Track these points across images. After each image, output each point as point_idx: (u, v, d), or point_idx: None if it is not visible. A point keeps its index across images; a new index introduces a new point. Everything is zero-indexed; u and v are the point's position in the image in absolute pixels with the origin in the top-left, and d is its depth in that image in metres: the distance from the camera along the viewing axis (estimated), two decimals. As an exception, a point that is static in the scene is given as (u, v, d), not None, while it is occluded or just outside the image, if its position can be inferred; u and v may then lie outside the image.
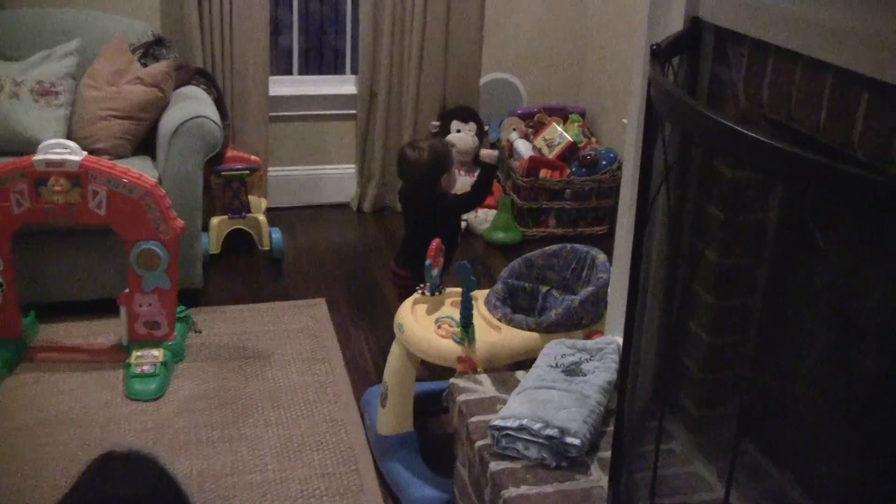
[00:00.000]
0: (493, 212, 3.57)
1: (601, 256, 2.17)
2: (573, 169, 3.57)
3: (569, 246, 2.24)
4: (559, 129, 3.63)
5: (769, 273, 1.62)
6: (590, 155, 3.55)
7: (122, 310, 2.56)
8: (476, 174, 2.59)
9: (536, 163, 3.52)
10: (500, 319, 2.17)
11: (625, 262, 1.75)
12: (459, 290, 2.13)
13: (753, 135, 1.08)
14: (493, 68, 3.85)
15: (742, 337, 1.64)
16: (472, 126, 3.75)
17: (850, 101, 1.23)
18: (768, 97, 1.42)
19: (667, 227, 1.40)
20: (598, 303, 2.09)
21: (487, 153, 2.49)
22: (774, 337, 1.55)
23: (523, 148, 3.62)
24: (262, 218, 3.32)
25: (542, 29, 3.84)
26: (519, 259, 2.27)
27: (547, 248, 2.27)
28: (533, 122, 3.73)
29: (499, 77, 3.88)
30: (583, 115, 3.83)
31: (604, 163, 3.56)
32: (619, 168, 3.51)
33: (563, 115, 3.78)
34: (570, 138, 3.59)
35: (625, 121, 3.38)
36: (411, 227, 2.54)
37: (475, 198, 2.53)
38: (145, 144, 2.93)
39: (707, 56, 1.57)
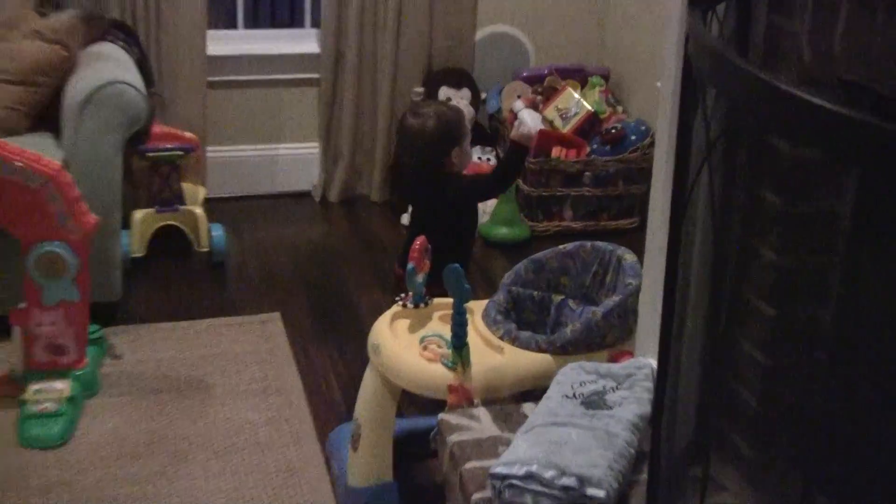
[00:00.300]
0: (492, 202, 3.58)
1: (629, 257, 2.18)
2: (594, 146, 3.59)
3: (589, 244, 2.25)
4: (576, 95, 3.64)
5: (843, 276, 1.60)
6: (615, 128, 3.56)
7: (16, 330, 2.53)
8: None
9: (547, 139, 3.53)
10: (501, 338, 2.16)
11: (659, 263, 1.74)
12: (450, 300, 2.12)
13: (820, 102, 1.07)
14: (493, 20, 3.87)
15: (809, 358, 1.63)
16: (466, 93, 3.76)
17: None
18: (841, 52, 1.41)
19: (711, 218, 1.39)
20: (625, 315, 2.10)
21: (521, 134, 2.49)
22: (850, 358, 1.54)
23: (530, 120, 3.48)
24: (199, 211, 3.31)
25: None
26: (526, 261, 2.28)
27: (561, 246, 2.28)
28: (542, 88, 3.74)
29: (500, 31, 3.89)
30: (606, 77, 3.85)
31: (633, 138, 3.58)
32: (652, 144, 3.50)
33: (580, 78, 3.80)
34: (589, 108, 3.61)
35: (659, 84, 3.39)
36: (416, 218, 2.56)
37: (497, 183, 2.51)
38: (46, 117, 2.91)
39: (761, 1, 1.56)
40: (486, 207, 3.57)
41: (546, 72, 3.80)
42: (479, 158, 3.74)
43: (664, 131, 1.78)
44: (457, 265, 2.03)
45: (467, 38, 3.79)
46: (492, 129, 3.90)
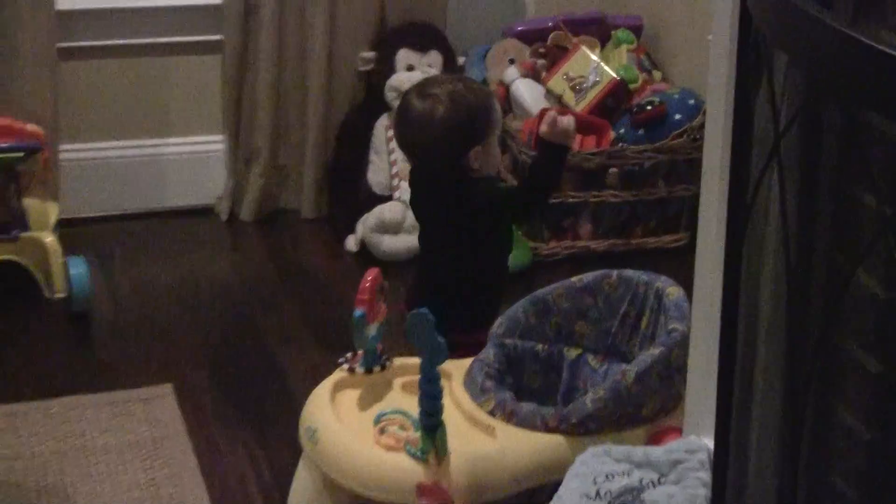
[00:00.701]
0: None
1: (675, 291, 2.22)
2: (622, 131, 3.60)
3: (615, 274, 2.29)
4: (594, 57, 3.66)
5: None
6: (651, 104, 3.59)
7: None
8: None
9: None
10: (492, 412, 2.19)
11: (714, 299, 1.77)
12: (416, 361, 2.14)
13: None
14: None
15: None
16: (435, 58, 3.78)
17: None
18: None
19: (784, 235, 1.42)
20: (670, 376, 2.12)
21: (556, 131, 2.52)
22: None
23: (529, 95, 3.66)
24: (49, 240, 3.31)
25: None
26: (525, 301, 2.32)
27: (575, 278, 2.31)
28: (546, 48, 3.74)
29: None
30: (637, 31, 3.86)
31: (677, 117, 3.61)
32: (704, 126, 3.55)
33: (599, 32, 3.80)
34: (613, 75, 3.63)
35: (710, 38, 3.42)
36: (426, 242, 2.67)
37: (534, 192, 2.58)
38: None
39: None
40: None
41: (551, 25, 3.80)
42: None
43: (718, 111, 1.82)
44: (423, 310, 2.06)
45: None
46: None
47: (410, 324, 2.06)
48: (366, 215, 3.58)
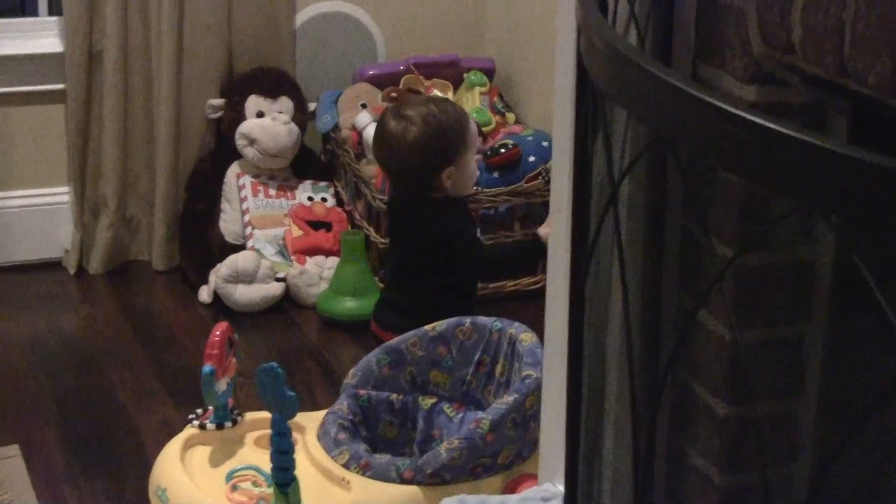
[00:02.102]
0: (331, 260, 3.61)
1: (528, 337, 2.24)
2: (477, 173, 3.62)
3: (468, 321, 2.30)
4: (449, 99, 3.69)
5: (825, 356, 1.66)
6: (505, 147, 3.61)
7: None
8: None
9: None
10: (347, 465, 2.17)
11: (562, 345, 1.78)
12: (269, 415, 2.13)
13: (773, 126, 1.11)
14: None
15: (782, 472, 1.67)
16: (286, 104, 3.79)
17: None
18: (802, 36, 1.47)
19: (622, 276, 1.43)
20: (526, 424, 2.13)
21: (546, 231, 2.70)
22: (839, 472, 1.59)
23: None
24: None
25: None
26: (378, 351, 2.31)
27: (429, 326, 2.30)
28: (398, 92, 3.77)
29: (331, 11, 3.94)
30: (490, 73, 3.90)
31: (531, 160, 3.64)
32: None
33: (452, 75, 3.84)
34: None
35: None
36: (395, 259, 2.81)
37: (498, 267, 2.98)
38: None
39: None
40: (323, 269, 3.60)
41: (402, 68, 3.84)
42: (310, 199, 3.78)
43: (562, 156, 1.83)
44: (273, 365, 2.04)
45: (283, 24, 3.82)
46: (327, 157, 3.93)
47: (259, 379, 2.04)
48: (219, 265, 3.55)
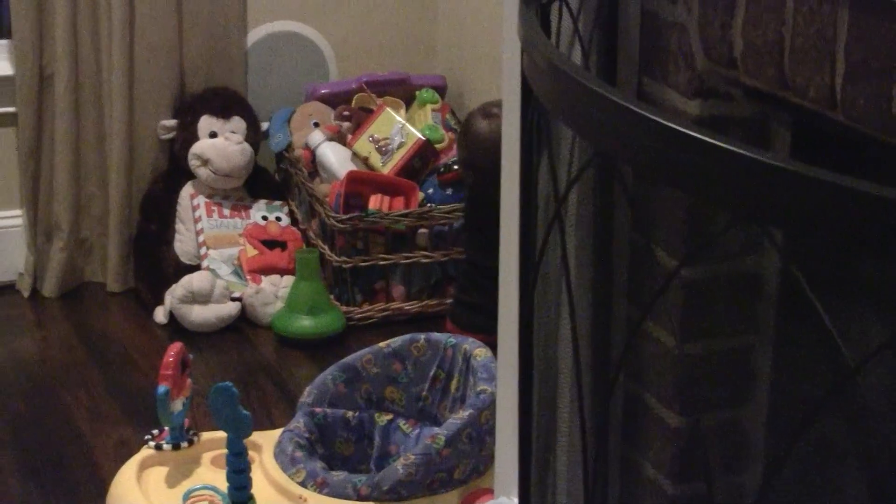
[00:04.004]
0: (286, 279, 3.62)
1: (481, 352, 2.24)
2: (429, 191, 3.64)
3: (422, 337, 2.31)
4: (397, 117, 3.70)
5: (773, 364, 1.68)
6: (456, 164, 3.62)
7: None
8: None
9: (361, 184, 3.57)
10: (303, 483, 2.17)
11: (513, 360, 1.79)
12: (225, 435, 2.13)
13: (714, 142, 1.13)
14: (272, 14, 3.91)
15: (732, 484, 1.69)
16: (238, 124, 3.78)
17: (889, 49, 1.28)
18: (743, 50, 1.50)
19: (568, 291, 1.45)
20: (480, 438, 2.13)
21: None
22: (790, 480, 1.61)
23: (335, 158, 3.68)
24: None
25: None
26: (333, 369, 2.32)
27: (383, 344, 2.32)
28: (350, 110, 3.78)
29: (282, 30, 3.94)
30: (441, 90, 3.91)
31: None
32: None
33: (404, 92, 3.84)
34: (418, 135, 3.66)
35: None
36: (477, 259, 2.90)
37: None
38: None
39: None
40: (278, 288, 3.60)
41: (354, 86, 3.84)
42: (265, 218, 3.77)
43: (510, 173, 1.85)
44: (226, 383, 2.04)
45: (235, 44, 3.82)
46: (280, 175, 3.93)
47: (213, 399, 2.05)
48: (174, 286, 3.54)
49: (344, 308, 3.57)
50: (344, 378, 2.30)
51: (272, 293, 3.59)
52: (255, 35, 3.90)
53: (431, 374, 2.29)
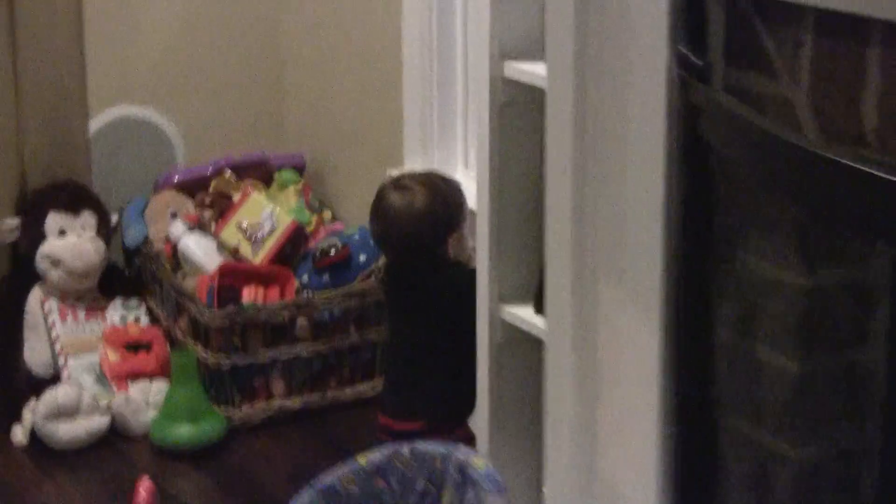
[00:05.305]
0: (156, 384, 3.46)
1: (479, 462, 2.14)
2: (305, 278, 3.53)
3: (406, 450, 2.21)
4: (266, 202, 3.61)
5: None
6: (334, 247, 3.54)
7: None
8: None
9: (233, 276, 3.47)
10: None
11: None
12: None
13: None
14: (114, 99, 3.87)
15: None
16: (89, 218, 3.67)
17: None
18: (878, 125, 1.41)
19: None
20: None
21: None
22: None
23: (201, 250, 3.58)
24: None
25: (193, 22, 3.88)
26: (311, 491, 2.20)
27: (362, 458, 2.20)
28: (211, 197, 3.68)
29: (126, 115, 3.91)
30: (300, 170, 3.87)
31: (362, 258, 3.56)
32: None
33: (263, 174, 3.80)
34: (291, 219, 3.58)
35: (394, 173, 3.41)
36: (399, 331, 2.88)
37: None
38: None
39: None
40: (148, 394, 3.44)
41: (211, 171, 3.77)
42: (123, 319, 3.62)
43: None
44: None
45: (77, 133, 3.73)
46: (136, 272, 3.79)
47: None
48: (35, 402, 3.33)
49: (224, 408, 3.44)
50: (324, 502, 2.14)
51: (143, 400, 3.44)
52: (97, 122, 3.85)
53: (419, 488, 2.16)
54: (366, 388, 3.56)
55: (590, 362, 2.03)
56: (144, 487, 2.07)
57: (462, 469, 2.13)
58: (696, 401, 1.80)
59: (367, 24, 3.65)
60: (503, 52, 2.48)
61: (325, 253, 3.52)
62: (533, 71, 2.41)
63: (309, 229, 3.62)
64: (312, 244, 3.58)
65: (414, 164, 3.42)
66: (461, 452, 2.15)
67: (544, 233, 2.14)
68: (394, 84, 3.47)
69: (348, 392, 3.55)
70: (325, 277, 3.52)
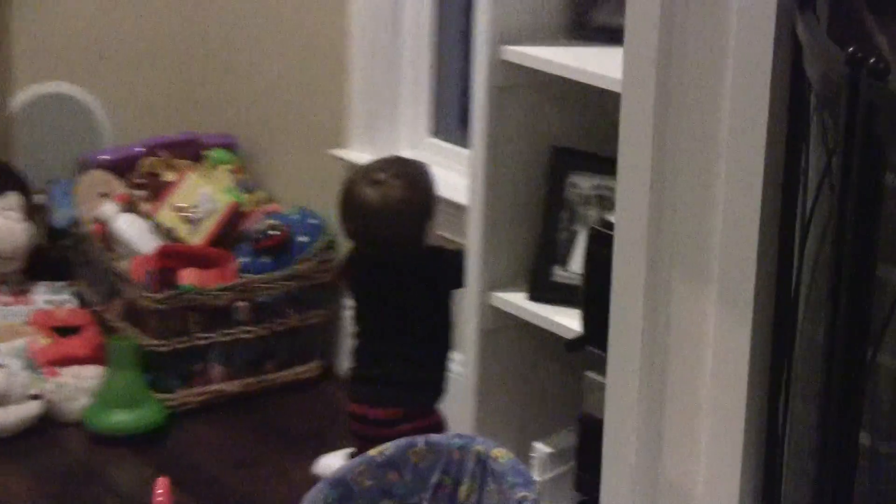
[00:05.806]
0: (89, 369, 3.39)
1: (501, 453, 2.11)
2: (244, 259, 3.51)
3: (421, 441, 2.16)
4: (203, 183, 3.56)
5: None
6: (274, 228, 3.50)
7: None
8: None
9: (172, 258, 3.42)
10: None
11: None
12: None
13: None
14: (38, 75, 3.83)
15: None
16: (14, 199, 3.63)
17: None
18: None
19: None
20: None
21: None
22: None
23: (135, 232, 3.52)
24: None
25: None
26: (323, 484, 2.16)
27: (375, 451, 2.17)
28: (144, 178, 3.63)
29: (51, 92, 3.87)
30: (233, 149, 3.82)
31: (301, 240, 3.54)
32: (332, 247, 3.51)
33: (193, 154, 3.75)
34: (230, 199, 3.55)
35: (340, 155, 3.36)
36: (377, 326, 2.81)
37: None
38: None
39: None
40: (80, 379, 3.35)
41: (141, 150, 3.70)
42: (49, 303, 3.56)
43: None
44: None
45: None
46: (62, 254, 3.69)
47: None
48: (-38, 390, 3.23)
49: (162, 395, 3.40)
50: (336, 495, 2.15)
51: (76, 386, 3.36)
52: (20, 98, 3.80)
53: (434, 480, 2.12)
54: (302, 371, 3.55)
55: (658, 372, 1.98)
56: (162, 488, 2.00)
57: (482, 461, 2.11)
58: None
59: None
60: (502, 37, 2.45)
61: (264, 234, 3.48)
62: (534, 55, 2.40)
63: (246, 209, 3.56)
64: (253, 226, 3.53)
65: (360, 145, 3.36)
66: (480, 444, 2.13)
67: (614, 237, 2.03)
68: (337, 59, 3.40)
69: (287, 375, 3.53)
70: (266, 259, 3.49)
